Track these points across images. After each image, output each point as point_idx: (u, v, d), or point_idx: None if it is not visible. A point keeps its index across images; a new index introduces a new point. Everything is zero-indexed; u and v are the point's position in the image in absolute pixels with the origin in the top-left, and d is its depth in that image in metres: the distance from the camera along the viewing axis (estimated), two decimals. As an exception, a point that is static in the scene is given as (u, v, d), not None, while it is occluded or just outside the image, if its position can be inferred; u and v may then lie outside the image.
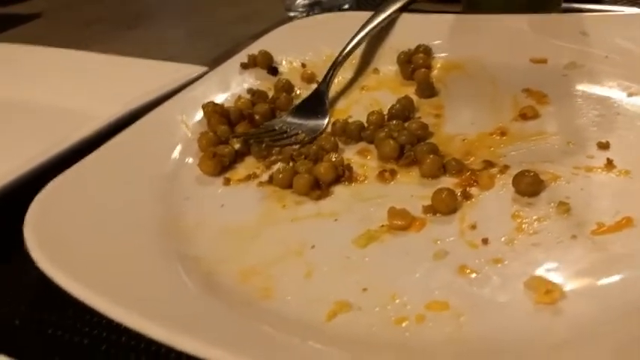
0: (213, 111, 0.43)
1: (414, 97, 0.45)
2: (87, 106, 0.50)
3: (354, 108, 0.46)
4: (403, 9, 0.54)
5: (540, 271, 0.28)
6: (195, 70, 0.51)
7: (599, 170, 0.34)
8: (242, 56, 0.51)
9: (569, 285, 0.27)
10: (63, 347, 0.30)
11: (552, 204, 0.32)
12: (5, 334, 0.31)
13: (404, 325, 0.26)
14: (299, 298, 0.29)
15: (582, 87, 0.42)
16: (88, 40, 0.78)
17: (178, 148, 0.42)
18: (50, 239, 0.30)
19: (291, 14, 0.73)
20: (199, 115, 0.45)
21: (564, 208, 0.31)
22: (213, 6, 0.89)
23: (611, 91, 0.41)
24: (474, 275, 0.28)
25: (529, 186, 0.33)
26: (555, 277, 0.27)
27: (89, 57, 0.60)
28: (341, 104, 0.47)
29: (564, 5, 0.55)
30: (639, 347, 0.23)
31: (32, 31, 0.89)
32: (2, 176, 0.37)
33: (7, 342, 0.31)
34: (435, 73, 0.48)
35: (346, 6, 0.72)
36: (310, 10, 0.72)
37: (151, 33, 0.80)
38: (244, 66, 0.50)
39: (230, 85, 0.48)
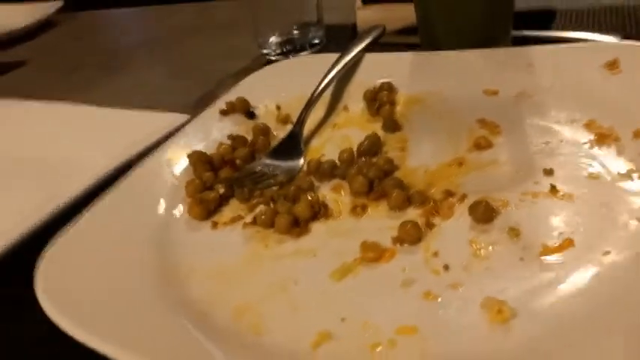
0: (198, 159, 0.47)
1: (381, 133, 0.49)
2: (71, 158, 0.53)
3: (327, 146, 0.50)
4: (367, 49, 0.58)
5: (493, 293, 0.32)
6: (178, 118, 0.54)
7: (544, 195, 0.38)
8: (220, 103, 0.55)
9: (518, 304, 0.31)
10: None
11: (504, 229, 0.36)
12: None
13: (378, 350, 0.30)
14: (286, 331, 0.32)
15: (530, 116, 0.47)
16: (70, 89, 0.81)
17: (167, 196, 0.45)
18: (58, 293, 0.34)
19: (265, 52, 0.77)
20: (184, 163, 0.48)
21: (514, 232, 0.36)
22: (188, 44, 0.93)
23: (556, 119, 0.45)
24: (438, 300, 0.32)
25: (482, 214, 0.37)
26: (506, 298, 0.31)
27: (72, 109, 0.63)
28: (315, 143, 0.51)
29: (514, 33, 0.60)
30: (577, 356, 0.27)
31: (16, 80, 0.92)
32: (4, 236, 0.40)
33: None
34: (398, 108, 0.52)
35: (316, 40, 0.76)
36: (282, 47, 0.76)
37: (131, 77, 0.83)
38: (223, 112, 0.54)
39: (211, 132, 0.52)
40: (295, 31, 0.77)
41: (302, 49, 0.76)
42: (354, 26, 0.77)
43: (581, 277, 0.32)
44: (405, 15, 0.69)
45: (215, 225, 0.43)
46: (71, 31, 1.15)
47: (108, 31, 1.16)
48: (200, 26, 1.02)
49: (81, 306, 0.33)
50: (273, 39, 0.77)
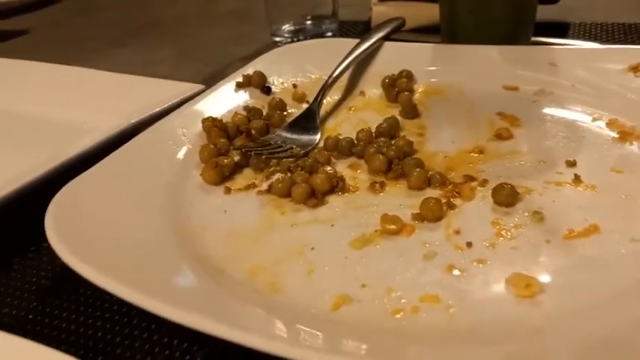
0: (213, 125, 0.46)
1: (399, 118, 0.49)
2: (88, 119, 0.52)
3: (343, 126, 0.50)
4: (386, 38, 0.58)
5: (520, 270, 0.31)
6: (193, 87, 0.53)
7: (568, 185, 0.38)
8: (237, 76, 0.54)
9: (546, 281, 0.30)
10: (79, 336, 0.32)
11: (527, 213, 0.36)
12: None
13: (400, 315, 0.29)
14: (304, 292, 0.31)
15: (551, 112, 0.47)
16: (74, 59, 0.79)
17: (180, 158, 0.44)
18: (68, 234, 0.33)
19: (277, 39, 0.76)
20: (198, 129, 0.47)
21: (538, 216, 0.35)
22: (200, 29, 0.92)
23: (577, 116, 0.45)
24: (460, 273, 0.32)
25: (507, 197, 0.37)
26: (534, 275, 0.31)
27: (88, 73, 0.62)
28: (330, 123, 0.51)
29: (533, 39, 0.60)
30: (605, 334, 0.27)
31: (18, 48, 0.90)
32: (17, 179, 0.39)
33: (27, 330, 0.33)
34: (417, 96, 0.52)
35: (330, 33, 0.76)
36: (295, 36, 0.76)
37: (139, 53, 0.82)
38: (239, 85, 0.53)
39: (226, 102, 0.51)
40: (309, 22, 0.77)
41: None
42: (368, 22, 0.77)
43: (608, 261, 0.31)
44: (421, 13, 0.69)
45: (228, 190, 0.42)
46: (75, 8, 1.14)
47: (112, 12, 1.15)
48: (208, 13, 1.01)
49: (88, 248, 0.32)
50: (286, 27, 0.77)
